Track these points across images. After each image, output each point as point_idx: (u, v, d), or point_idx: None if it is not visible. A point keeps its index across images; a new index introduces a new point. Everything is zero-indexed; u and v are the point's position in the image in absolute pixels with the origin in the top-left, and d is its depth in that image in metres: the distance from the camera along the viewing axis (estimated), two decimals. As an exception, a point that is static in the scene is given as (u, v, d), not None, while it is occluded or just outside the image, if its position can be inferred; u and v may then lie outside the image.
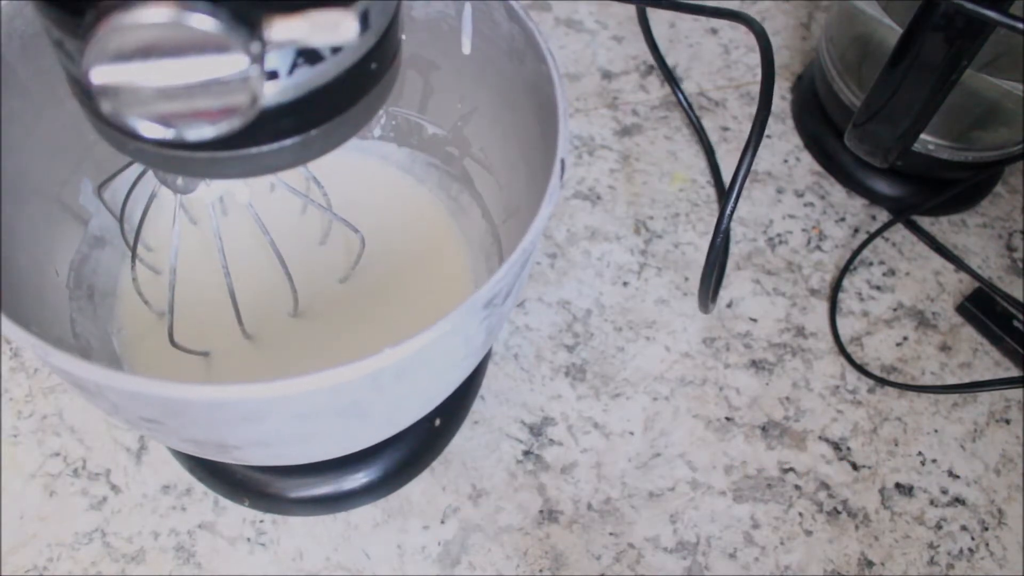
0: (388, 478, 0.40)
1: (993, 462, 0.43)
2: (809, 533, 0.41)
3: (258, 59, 0.16)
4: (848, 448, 0.43)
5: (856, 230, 0.50)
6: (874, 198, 0.51)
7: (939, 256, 0.49)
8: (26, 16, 0.30)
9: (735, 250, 0.49)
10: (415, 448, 0.40)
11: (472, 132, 0.39)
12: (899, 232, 0.50)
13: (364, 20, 0.19)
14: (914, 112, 0.41)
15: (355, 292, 0.39)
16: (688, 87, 0.55)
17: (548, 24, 0.57)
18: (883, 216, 0.50)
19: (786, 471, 0.42)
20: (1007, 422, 0.44)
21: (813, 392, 0.44)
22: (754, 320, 0.46)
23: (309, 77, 0.19)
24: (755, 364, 0.45)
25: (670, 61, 0.56)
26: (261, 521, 0.39)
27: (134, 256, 0.35)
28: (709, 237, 0.49)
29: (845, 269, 0.48)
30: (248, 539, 0.39)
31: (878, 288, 0.48)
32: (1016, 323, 0.45)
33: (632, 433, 0.42)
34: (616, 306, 0.46)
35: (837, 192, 0.51)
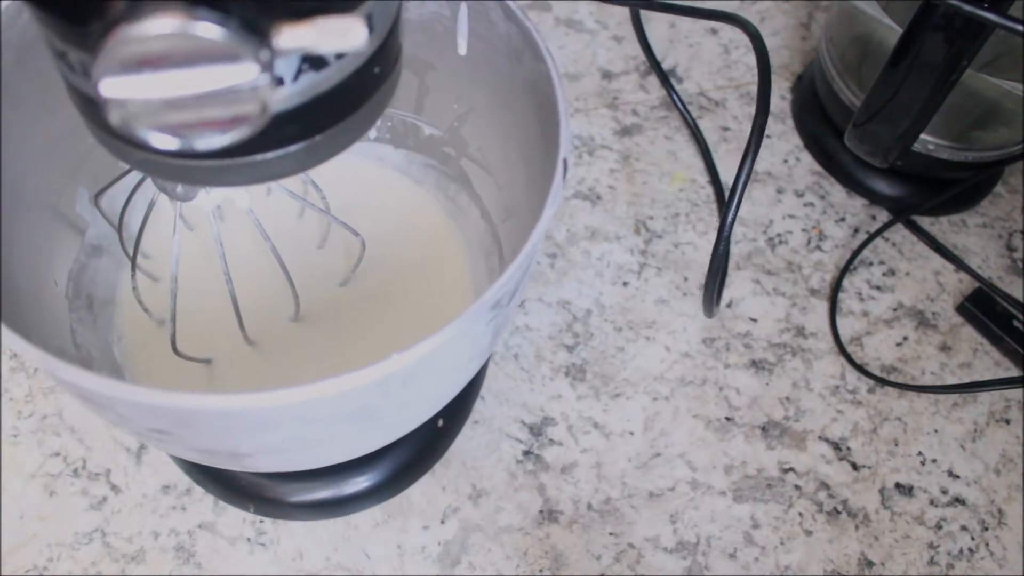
0: (392, 480, 0.40)
1: (993, 462, 0.43)
2: (809, 533, 0.41)
3: (268, 67, 0.16)
4: (848, 448, 0.43)
5: (856, 230, 0.50)
6: (874, 198, 0.51)
7: (939, 256, 0.49)
8: (20, 26, 0.30)
9: (735, 250, 0.49)
10: (418, 450, 0.40)
11: (469, 132, 0.39)
12: (899, 232, 0.50)
13: (368, 24, 0.19)
14: (914, 112, 0.41)
15: (355, 295, 0.39)
16: (688, 87, 0.55)
17: (548, 24, 0.57)
18: (883, 216, 0.50)
19: (786, 471, 0.42)
20: (1007, 422, 0.44)
21: (813, 392, 0.44)
22: (754, 320, 0.46)
23: (314, 83, 0.19)
24: (755, 364, 0.45)
25: (670, 61, 0.56)
26: (261, 521, 0.39)
27: (134, 265, 0.35)
28: (709, 237, 0.49)
29: (845, 269, 0.48)
30: (248, 539, 0.39)
31: (878, 288, 0.48)
32: (1016, 323, 0.45)
33: (632, 433, 0.42)
34: (616, 306, 0.46)
35: (837, 192, 0.51)
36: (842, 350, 0.45)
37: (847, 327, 0.46)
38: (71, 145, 0.35)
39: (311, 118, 0.19)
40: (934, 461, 0.43)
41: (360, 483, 0.39)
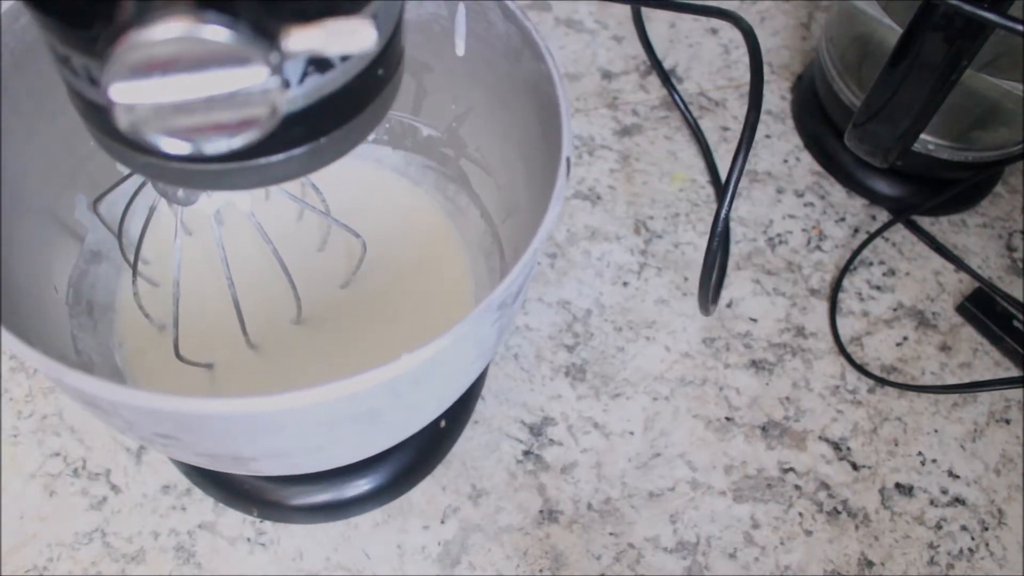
0: (394, 483, 0.40)
1: (993, 462, 0.43)
2: (809, 533, 0.41)
3: (277, 70, 0.16)
4: (848, 448, 0.43)
5: (856, 230, 0.50)
6: (874, 198, 0.51)
7: (939, 256, 0.49)
8: (18, 30, 0.30)
9: (735, 250, 0.49)
10: (421, 452, 0.40)
11: (468, 133, 0.39)
12: (899, 232, 0.50)
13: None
14: (914, 112, 0.41)
15: (356, 297, 0.39)
16: (688, 87, 0.55)
17: (548, 24, 0.57)
18: (883, 216, 0.50)
19: (786, 471, 0.42)
20: (1007, 422, 0.44)
21: (813, 392, 0.44)
22: (754, 320, 0.46)
23: (319, 85, 0.19)
24: (755, 364, 0.45)
25: (670, 61, 0.56)
26: (261, 521, 0.39)
27: (135, 271, 0.35)
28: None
29: (845, 269, 0.48)
30: (248, 539, 0.39)
31: (878, 288, 0.48)
32: (1016, 323, 0.45)
33: (632, 433, 0.42)
34: (616, 306, 0.46)
35: (837, 192, 0.51)
36: (842, 350, 0.45)
37: (847, 327, 0.46)
38: (70, 151, 0.35)
39: (316, 121, 0.19)
40: (934, 461, 0.43)
41: (362, 486, 0.39)
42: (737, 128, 0.53)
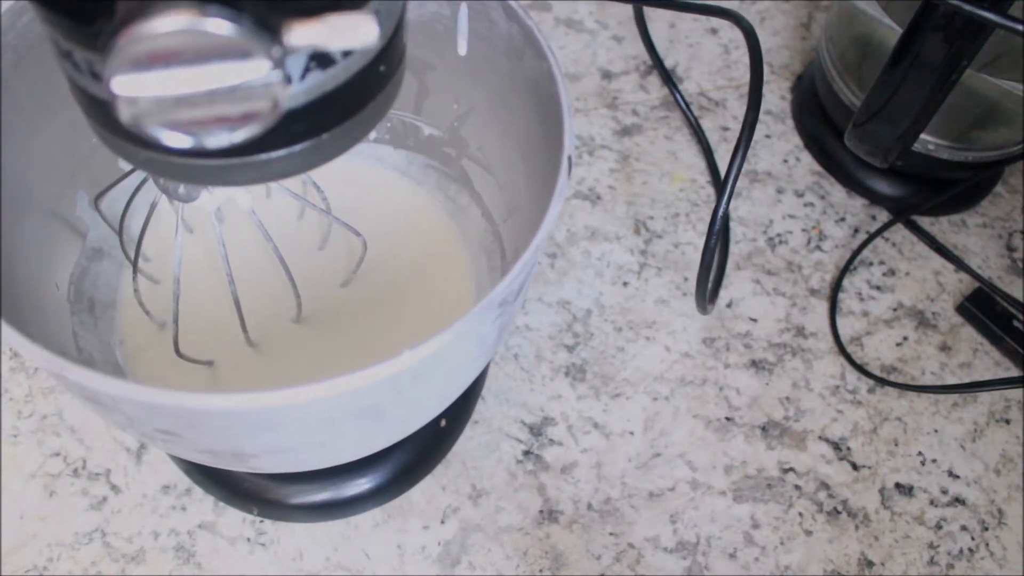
0: (394, 482, 0.40)
1: (993, 462, 0.43)
2: (809, 533, 0.41)
3: (279, 64, 0.16)
4: (848, 448, 0.43)
5: (856, 230, 0.50)
6: (874, 198, 0.51)
7: (939, 256, 0.49)
8: (20, 28, 0.30)
9: (735, 250, 0.49)
10: (421, 451, 0.40)
11: (469, 132, 0.39)
12: (899, 232, 0.50)
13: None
14: (914, 112, 0.41)
15: (357, 296, 0.39)
16: (688, 87, 0.55)
17: (548, 24, 0.57)
18: (883, 216, 0.50)
19: (786, 471, 0.42)
20: (1007, 422, 0.44)
21: (813, 392, 0.44)
22: (754, 320, 0.46)
23: (320, 81, 0.19)
24: (755, 364, 0.45)
25: (670, 61, 0.56)
26: (261, 521, 0.39)
27: (135, 268, 0.35)
28: (709, 237, 0.49)
29: (845, 269, 0.48)
30: (248, 539, 0.39)
31: (878, 288, 0.48)
32: (1016, 323, 0.45)
33: (632, 433, 0.42)
34: (616, 306, 0.46)
35: (837, 192, 0.51)
36: (842, 350, 0.45)
37: (847, 327, 0.46)
38: (71, 148, 0.35)
39: (317, 117, 0.19)
40: (934, 461, 0.43)
41: (362, 485, 0.39)
42: (737, 128, 0.53)
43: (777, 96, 0.55)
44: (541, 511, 0.40)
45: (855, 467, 0.42)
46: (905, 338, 0.46)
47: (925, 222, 0.50)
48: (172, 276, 0.33)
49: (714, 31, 0.58)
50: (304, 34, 0.17)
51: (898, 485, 0.42)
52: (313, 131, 0.20)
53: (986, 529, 0.41)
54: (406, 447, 0.39)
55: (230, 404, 0.22)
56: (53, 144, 0.34)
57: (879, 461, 0.43)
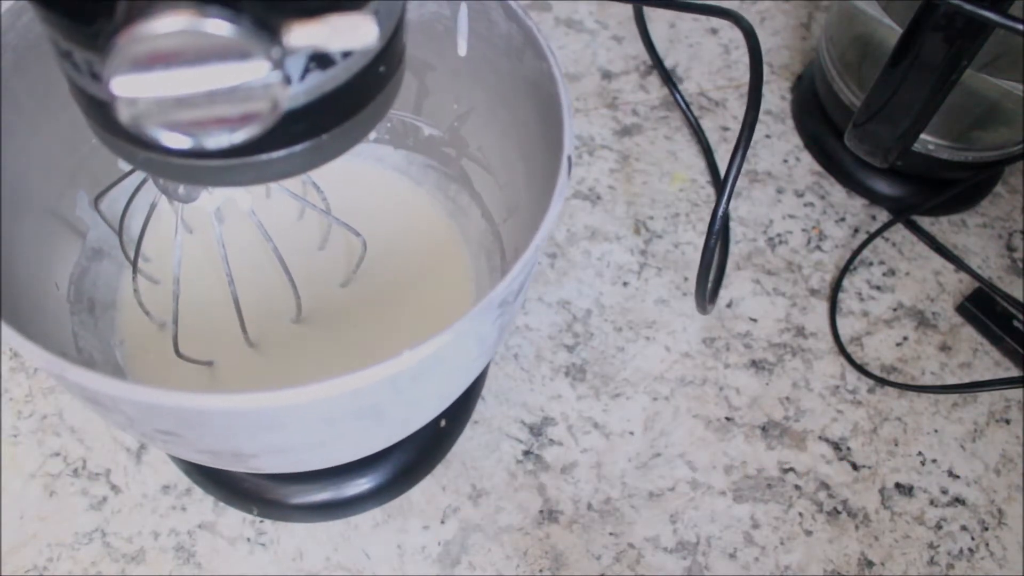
0: (394, 482, 0.40)
1: (993, 462, 0.43)
2: (809, 533, 0.41)
3: (279, 65, 0.16)
4: (848, 448, 0.43)
5: (856, 230, 0.50)
6: (874, 198, 0.51)
7: (939, 256, 0.49)
8: (19, 28, 0.30)
9: (735, 250, 0.49)
10: (421, 451, 0.40)
11: (469, 132, 0.39)
12: (899, 232, 0.50)
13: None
14: (914, 112, 0.41)
15: (357, 296, 0.39)
16: (688, 87, 0.55)
17: (548, 24, 0.57)
18: (883, 216, 0.50)
19: (786, 471, 0.42)
20: (1007, 422, 0.44)
21: (813, 392, 0.44)
22: (754, 320, 0.46)
23: (320, 82, 0.19)
24: (755, 364, 0.45)
25: (670, 61, 0.56)
26: (261, 521, 0.39)
27: (135, 268, 0.35)
28: (709, 237, 0.49)
29: (845, 269, 0.48)
30: (248, 539, 0.39)
31: (878, 288, 0.48)
32: (1016, 323, 0.45)
33: (632, 433, 0.42)
34: (616, 306, 0.46)
35: (837, 192, 0.51)
36: (842, 350, 0.45)
37: (847, 327, 0.46)
38: (71, 148, 0.35)
39: (317, 117, 0.19)
40: (934, 461, 0.43)
41: (362, 485, 0.39)
42: (737, 128, 0.53)
43: (777, 96, 0.55)
44: (541, 511, 0.40)
45: (855, 467, 0.42)
46: (905, 338, 0.46)
47: (925, 222, 0.50)
48: (172, 276, 0.33)
49: (714, 31, 0.58)
50: (304, 35, 0.17)
51: (898, 485, 0.42)
52: (313, 132, 0.20)
53: (986, 529, 0.41)
54: (406, 447, 0.39)
55: (230, 404, 0.22)
56: (53, 144, 0.34)
57: (879, 461, 0.43)
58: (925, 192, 0.50)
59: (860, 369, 0.45)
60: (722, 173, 0.51)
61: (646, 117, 0.53)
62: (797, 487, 0.42)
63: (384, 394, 0.25)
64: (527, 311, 0.46)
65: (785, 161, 0.52)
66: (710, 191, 0.51)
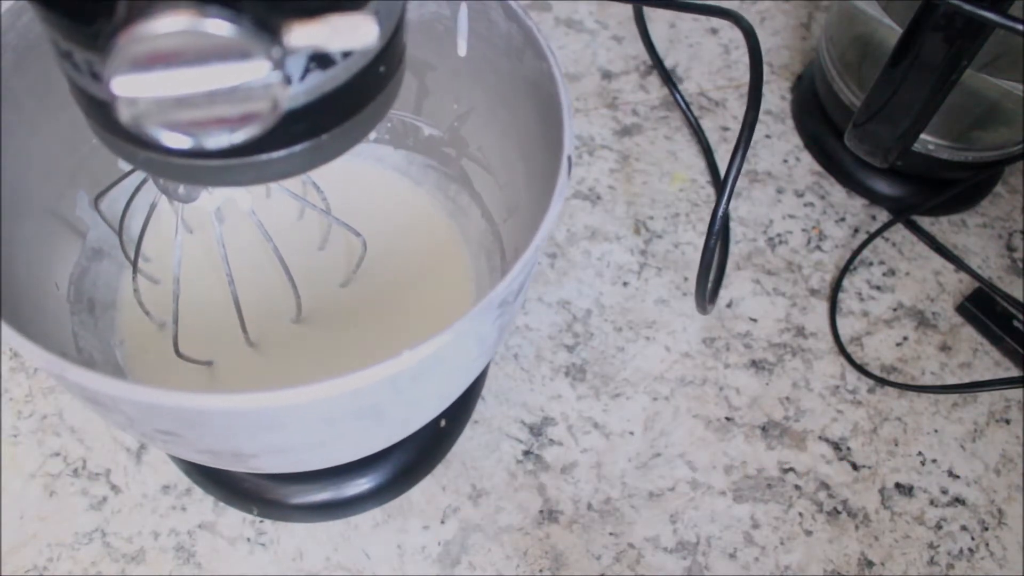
0: (394, 482, 0.40)
1: (993, 462, 0.43)
2: (809, 533, 0.41)
3: (279, 65, 0.16)
4: (848, 448, 0.43)
5: (856, 230, 0.50)
6: (874, 198, 0.51)
7: (939, 256, 0.49)
8: (20, 28, 0.30)
9: (735, 250, 0.49)
10: (421, 451, 0.40)
11: (469, 132, 0.39)
12: (899, 232, 0.50)
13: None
14: (914, 112, 0.41)
15: (357, 296, 0.39)
16: (688, 87, 0.55)
17: (548, 24, 0.57)
18: (883, 216, 0.50)
19: (786, 471, 0.42)
20: (1007, 422, 0.44)
21: (813, 392, 0.44)
22: (754, 320, 0.46)
23: (320, 82, 0.19)
24: (755, 364, 0.45)
25: (670, 61, 0.56)
26: (261, 521, 0.39)
27: (135, 268, 0.35)
28: (709, 237, 0.49)
29: (845, 269, 0.48)
30: (248, 539, 0.39)
31: (878, 288, 0.48)
32: (1016, 323, 0.45)
33: (632, 433, 0.42)
34: (616, 306, 0.46)
35: (837, 192, 0.51)
36: (842, 350, 0.45)
37: (847, 327, 0.46)
38: (71, 148, 0.35)
39: (317, 117, 0.19)
40: (934, 461, 0.43)
41: (362, 485, 0.39)
42: (737, 128, 0.53)
43: (777, 96, 0.55)
44: (541, 511, 0.40)
45: (855, 467, 0.42)
46: (905, 338, 0.46)
47: (925, 222, 0.50)
48: (172, 276, 0.33)
49: (714, 31, 0.58)
50: (304, 35, 0.17)
51: (898, 485, 0.42)
52: (313, 132, 0.20)
53: (986, 529, 0.41)
54: (406, 447, 0.39)
55: (230, 404, 0.22)
56: (53, 144, 0.34)
57: (879, 461, 0.43)
58: (925, 192, 0.50)
59: (860, 369, 0.45)
60: (722, 173, 0.51)
61: (646, 117, 0.53)
62: (797, 487, 0.42)
63: (384, 394, 0.25)
64: (527, 311, 0.46)
65: (785, 161, 0.52)
66: (710, 191, 0.51)
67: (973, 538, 0.41)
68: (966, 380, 0.45)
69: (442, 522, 0.40)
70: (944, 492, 0.42)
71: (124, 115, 0.17)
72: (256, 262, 0.39)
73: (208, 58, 0.16)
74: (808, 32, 0.58)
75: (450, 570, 0.39)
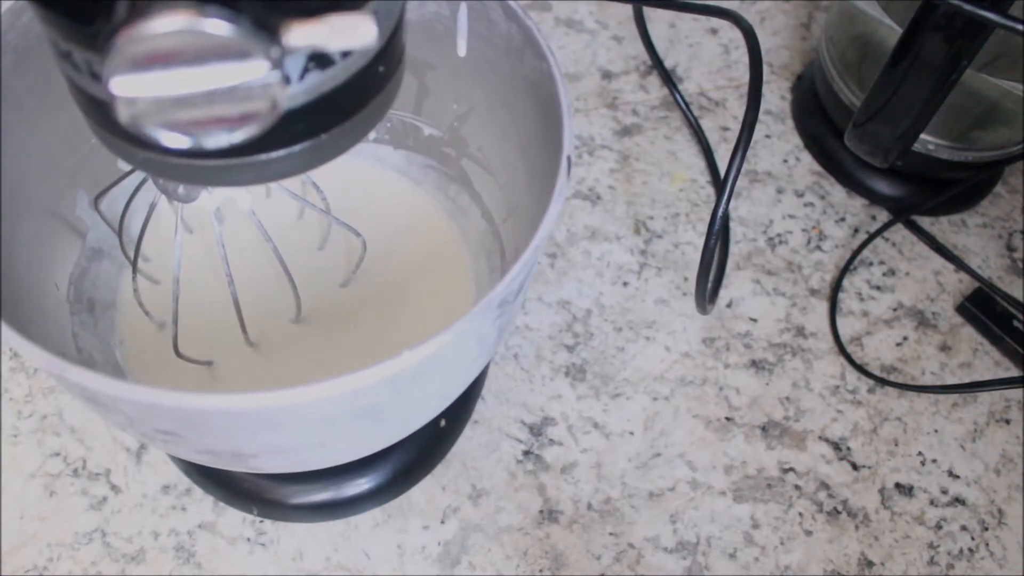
0: (394, 482, 0.40)
1: (993, 462, 0.43)
2: (809, 533, 0.41)
3: (278, 64, 0.16)
4: (848, 448, 0.43)
5: (856, 230, 0.50)
6: (874, 198, 0.51)
7: (939, 256, 0.49)
8: (20, 28, 0.30)
9: (735, 250, 0.49)
10: (421, 451, 0.40)
11: (469, 132, 0.39)
12: (899, 232, 0.50)
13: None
14: (914, 112, 0.41)
15: (356, 296, 0.39)
16: (688, 87, 0.55)
17: (548, 24, 0.57)
18: (883, 216, 0.50)
19: (786, 471, 0.42)
20: (1007, 422, 0.44)
21: (813, 392, 0.44)
22: (754, 320, 0.46)
23: (320, 82, 0.19)
24: (755, 364, 0.45)
25: (670, 61, 0.56)
26: (261, 521, 0.39)
27: (135, 268, 0.35)
28: (709, 237, 0.49)
29: (845, 269, 0.48)
30: (248, 539, 0.39)
31: (878, 288, 0.48)
32: (1016, 323, 0.45)
33: (632, 433, 0.42)
34: (616, 306, 0.46)
35: (837, 192, 0.51)
36: (842, 350, 0.45)
37: (847, 327, 0.46)
38: (71, 148, 0.35)
39: (317, 117, 0.19)
40: (934, 461, 0.43)
41: (362, 485, 0.39)
42: (737, 128, 0.53)
43: (777, 96, 0.55)
44: (541, 511, 0.40)
45: (855, 467, 0.42)
46: (905, 338, 0.46)
47: (925, 222, 0.50)
48: (172, 276, 0.33)
49: (714, 31, 0.58)
50: (303, 35, 0.17)
51: (898, 485, 0.42)
52: (312, 132, 0.20)
53: (986, 529, 0.41)
54: (406, 447, 0.39)
55: (230, 404, 0.22)
56: (53, 144, 0.34)
57: (879, 461, 0.43)
58: (925, 192, 0.50)
59: (860, 369, 0.45)
60: (722, 173, 0.51)
61: (646, 117, 0.53)
62: (797, 487, 0.42)
63: (384, 394, 0.25)
64: (527, 311, 0.46)
65: (785, 161, 0.52)
66: (710, 191, 0.51)
67: (973, 538, 0.41)
68: (966, 380, 0.45)
69: (442, 522, 0.40)
70: (944, 492, 0.42)
71: (123, 115, 0.17)
72: (256, 262, 0.39)
73: (207, 58, 0.16)
74: (808, 32, 0.58)
75: (450, 570, 0.39)
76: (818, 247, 0.49)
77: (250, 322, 0.36)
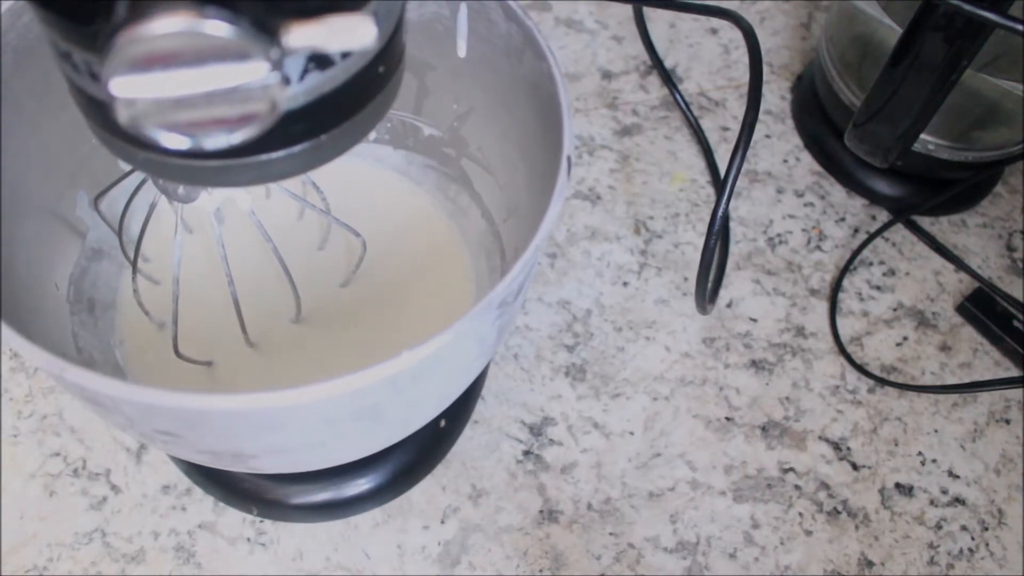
0: (394, 482, 0.40)
1: (993, 462, 0.43)
2: (809, 533, 0.41)
3: (277, 65, 0.16)
4: (848, 448, 0.43)
5: (856, 230, 0.50)
6: (874, 198, 0.51)
7: (939, 256, 0.49)
8: (20, 28, 0.30)
9: (735, 250, 0.49)
10: (421, 451, 0.40)
11: (469, 132, 0.39)
12: (899, 232, 0.50)
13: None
14: (914, 112, 0.41)
15: (356, 296, 0.39)
16: (688, 87, 0.55)
17: (548, 24, 0.57)
18: (883, 216, 0.50)
19: (786, 471, 0.42)
20: (1007, 422, 0.44)
21: (813, 392, 0.44)
22: (754, 320, 0.46)
23: (319, 82, 0.19)
24: (755, 364, 0.45)
25: (670, 61, 0.56)
26: (261, 521, 0.39)
27: (135, 268, 0.35)
28: (709, 237, 0.49)
29: (845, 269, 0.48)
30: (248, 539, 0.39)
31: (878, 288, 0.48)
32: (1016, 323, 0.45)
33: (632, 433, 0.42)
34: (616, 306, 0.46)
35: (837, 192, 0.51)
36: (842, 350, 0.45)
37: (847, 327, 0.46)
38: (71, 148, 0.35)
39: (316, 118, 0.19)
40: (934, 461, 0.43)
41: (362, 485, 0.39)
42: (737, 128, 0.53)
43: (777, 96, 0.55)
44: (541, 511, 0.40)
45: (855, 467, 0.42)
46: (905, 338, 0.46)
47: (925, 222, 0.50)
48: (172, 276, 0.33)
49: (714, 31, 0.58)
50: (302, 35, 0.17)
51: (898, 485, 0.42)
52: (312, 132, 0.20)
53: (986, 529, 0.41)
54: (406, 447, 0.39)
55: (230, 405, 0.22)
56: (53, 144, 0.34)
57: (879, 461, 0.43)
58: (925, 192, 0.50)
59: (860, 369, 0.45)
60: (722, 173, 0.51)
61: (646, 117, 0.53)
62: (797, 487, 0.42)
63: (384, 394, 0.25)
64: (527, 311, 0.46)
65: (785, 161, 0.52)
66: (710, 191, 0.51)
67: (973, 538, 0.41)
68: (966, 380, 0.45)
69: (442, 522, 0.40)
70: (944, 492, 0.42)
71: (122, 116, 0.17)
72: (256, 262, 0.39)
73: (206, 59, 0.16)
74: (808, 32, 0.58)
75: (450, 570, 0.39)
76: (818, 247, 0.49)
77: (250, 322, 0.36)
